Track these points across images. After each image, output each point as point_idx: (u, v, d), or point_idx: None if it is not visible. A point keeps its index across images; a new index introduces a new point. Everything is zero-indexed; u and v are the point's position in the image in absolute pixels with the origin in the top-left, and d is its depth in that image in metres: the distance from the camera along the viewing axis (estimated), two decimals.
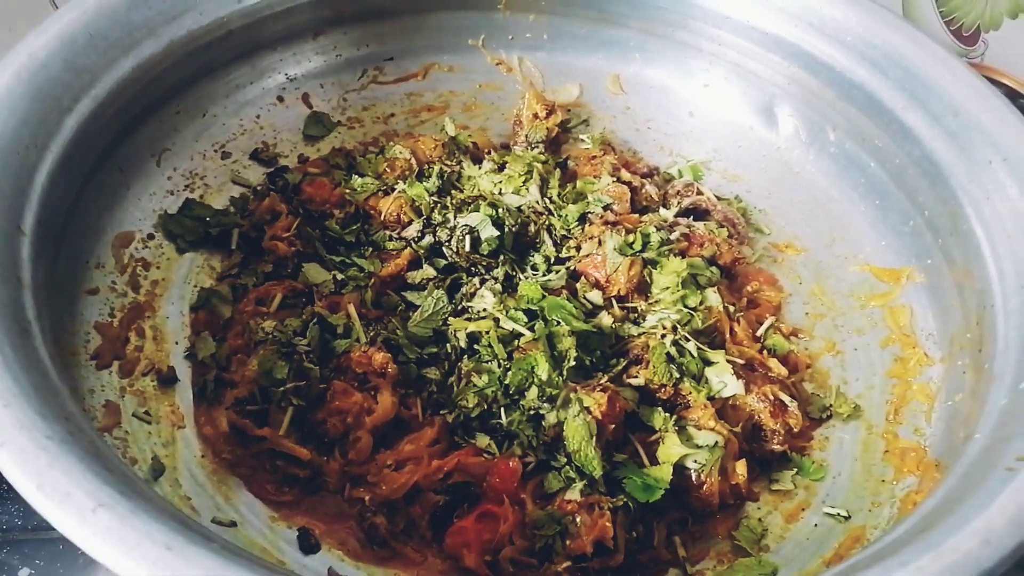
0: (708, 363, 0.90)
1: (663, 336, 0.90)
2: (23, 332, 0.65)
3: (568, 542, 0.78)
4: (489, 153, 1.11)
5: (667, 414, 0.86)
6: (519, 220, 0.99)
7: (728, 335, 0.95)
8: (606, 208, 1.02)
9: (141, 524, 0.52)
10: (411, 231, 1.00)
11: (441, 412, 0.87)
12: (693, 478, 0.83)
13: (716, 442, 0.83)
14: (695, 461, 0.83)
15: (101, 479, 0.54)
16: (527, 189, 1.03)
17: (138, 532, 0.51)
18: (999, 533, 0.60)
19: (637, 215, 1.04)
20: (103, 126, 0.88)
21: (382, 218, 1.01)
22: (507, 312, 0.90)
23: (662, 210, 1.07)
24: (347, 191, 1.02)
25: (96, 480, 0.54)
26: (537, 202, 1.03)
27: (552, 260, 0.99)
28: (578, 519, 0.78)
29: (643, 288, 0.97)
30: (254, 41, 1.06)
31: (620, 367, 0.89)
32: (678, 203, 1.09)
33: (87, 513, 0.52)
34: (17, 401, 0.56)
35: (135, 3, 0.91)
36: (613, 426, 0.82)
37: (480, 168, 1.07)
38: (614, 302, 0.95)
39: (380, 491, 0.80)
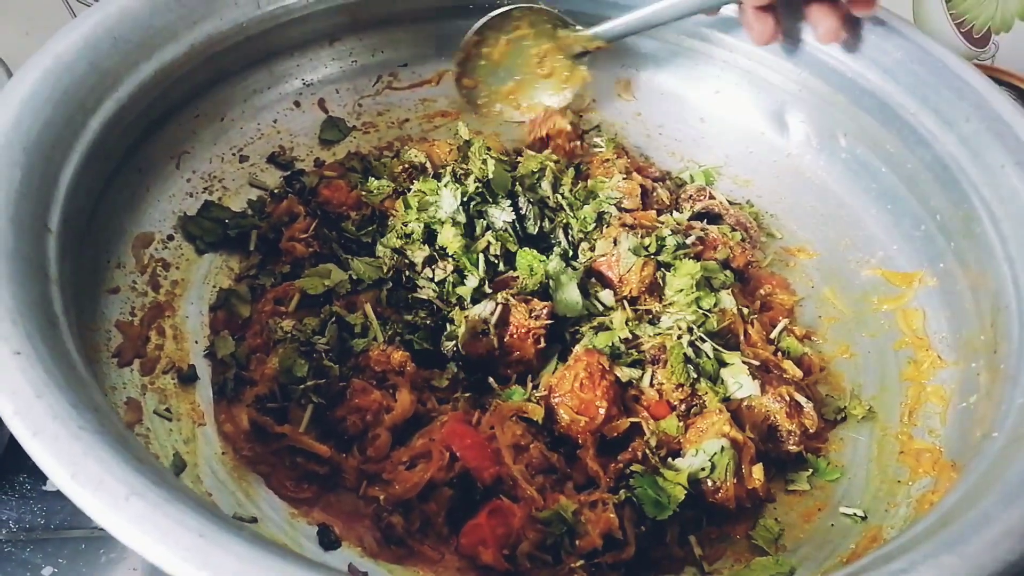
0: (723, 364, 0.90)
1: (679, 336, 0.91)
2: (52, 326, 0.65)
3: (578, 541, 0.78)
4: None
5: (680, 423, 0.87)
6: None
7: (742, 337, 0.96)
8: (621, 209, 1.03)
9: (174, 511, 0.52)
10: None
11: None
12: (708, 484, 0.83)
13: (723, 447, 0.83)
14: (703, 470, 0.83)
15: (133, 468, 0.54)
16: (540, 186, 1.04)
17: (171, 519, 0.52)
18: (1022, 527, 0.60)
19: (654, 213, 1.05)
20: (125, 128, 0.89)
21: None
22: None
23: (675, 213, 1.08)
24: (363, 193, 1.03)
25: (128, 469, 0.54)
26: (549, 198, 1.03)
27: (570, 256, 1.00)
28: (583, 517, 0.79)
29: (656, 290, 0.98)
30: (272, 47, 1.07)
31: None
32: (690, 207, 1.10)
33: (120, 501, 0.52)
34: (50, 391, 0.57)
35: (157, 8, 0.92)
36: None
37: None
38: (626, 303, 0.96)
39: (394, 490, 0.81)
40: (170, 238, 0.96)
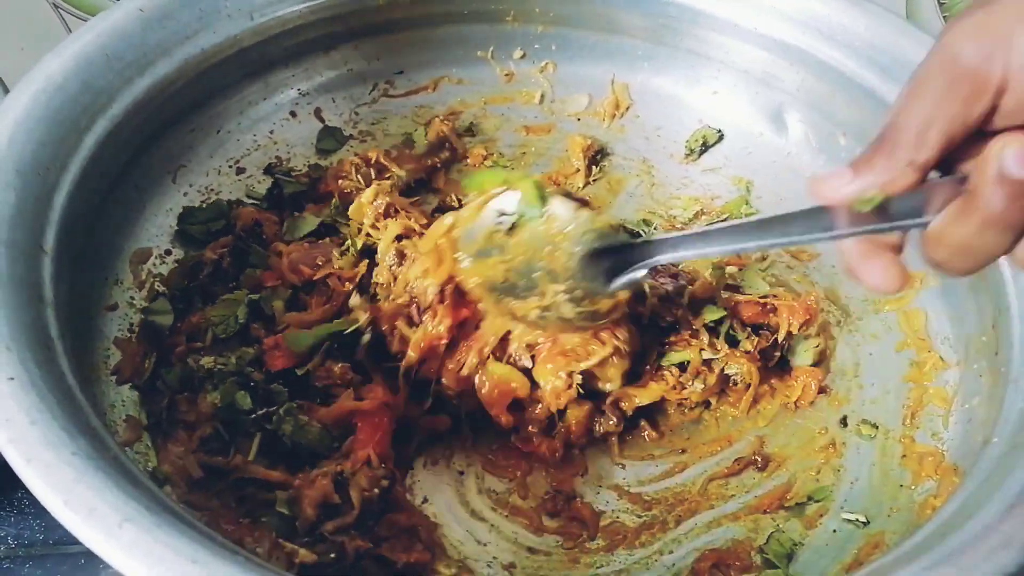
0: None
1: None
2: (46, 350, 0.66)
3: None
4: None
5: None
6: None
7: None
8: None
9: (167, 538, 0.53)
10: None
11: None
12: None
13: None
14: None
15: (126, 493, 0.54)
16: None
17: (164, 546, 0.52)
18: (1020, 538, 0.60)
19: None
20: (120, 146, 0.89)
21: None
22: None
23: None
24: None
25: (121, 494, 0.54)
26: None
27: None
28: None
29: None
30: (266, 58, 1.07)
31: None
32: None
33: (113, 528, 0.53)
34: (43, 418, 0.57)
35: (150, 24, 0.92)
36: None
37: None
38: None
39: None
40: (168, 252, 0.97)
